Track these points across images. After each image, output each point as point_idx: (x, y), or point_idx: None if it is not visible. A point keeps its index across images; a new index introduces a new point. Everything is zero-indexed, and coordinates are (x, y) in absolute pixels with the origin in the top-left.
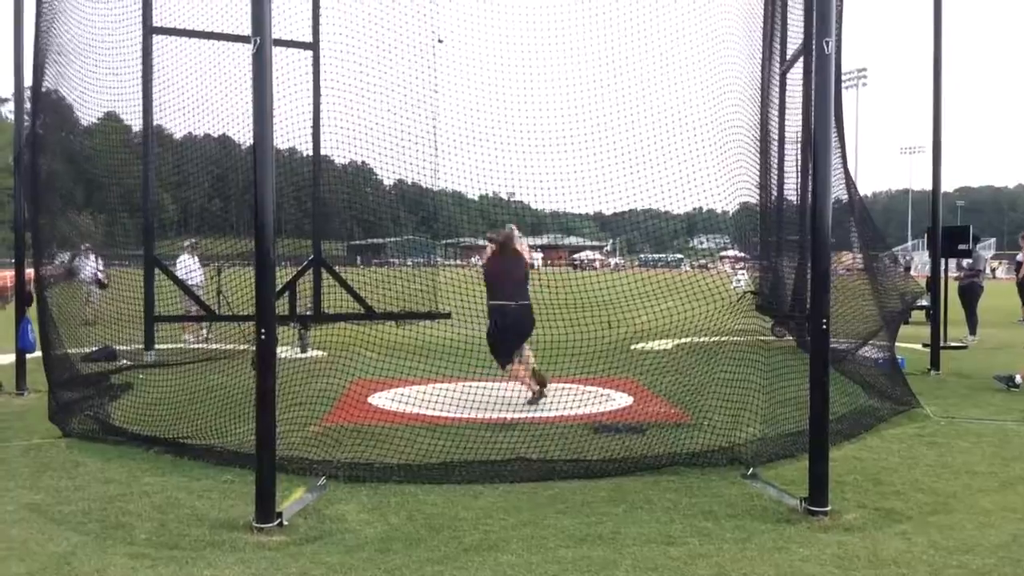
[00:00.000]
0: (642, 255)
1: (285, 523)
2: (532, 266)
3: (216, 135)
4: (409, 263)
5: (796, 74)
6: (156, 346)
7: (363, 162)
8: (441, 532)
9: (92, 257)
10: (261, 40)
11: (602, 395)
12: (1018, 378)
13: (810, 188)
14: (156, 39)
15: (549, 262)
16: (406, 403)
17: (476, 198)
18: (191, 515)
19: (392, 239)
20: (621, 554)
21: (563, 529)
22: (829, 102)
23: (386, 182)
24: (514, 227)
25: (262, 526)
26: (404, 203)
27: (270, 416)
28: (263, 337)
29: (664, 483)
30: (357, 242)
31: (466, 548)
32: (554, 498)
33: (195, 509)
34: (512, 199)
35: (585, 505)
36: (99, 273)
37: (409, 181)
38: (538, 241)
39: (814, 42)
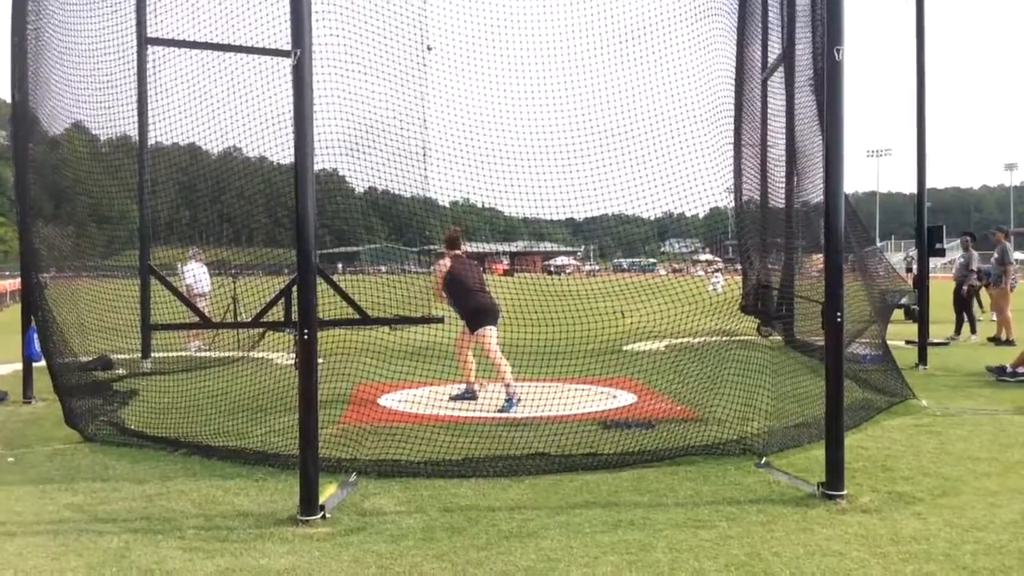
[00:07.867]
0: (615, 260)
1: (327, 516)
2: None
3: (204, 144)
4: (383, 269)
5: (778, 80)
6: (154, 354)
7: (334, 169)
8: (479, 522)
9: None
10: (301, 52)
11: (605, 393)
12: (1008, 368)
13: (823, 188)
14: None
15: (520, 268)
16: (415, 404)
17: (447, 204)
18: (233, 511)
19: (366, 247)
20: (655, 537)
21: (595, 517)
22: (841, 107)
23: (358, 190)
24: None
25: (307, 519)
26: (376, 211)
27: (313, 413)
28: (305, 338)
29: (682, 473)
30: (330, 250)
31: (506, 536)
32: (579, 489)
33: (235, 505)
34: (484, 205)
35: (611, 495)
36: None
37: (379, 189)
38: (511, 247)
39: (824, 50)
